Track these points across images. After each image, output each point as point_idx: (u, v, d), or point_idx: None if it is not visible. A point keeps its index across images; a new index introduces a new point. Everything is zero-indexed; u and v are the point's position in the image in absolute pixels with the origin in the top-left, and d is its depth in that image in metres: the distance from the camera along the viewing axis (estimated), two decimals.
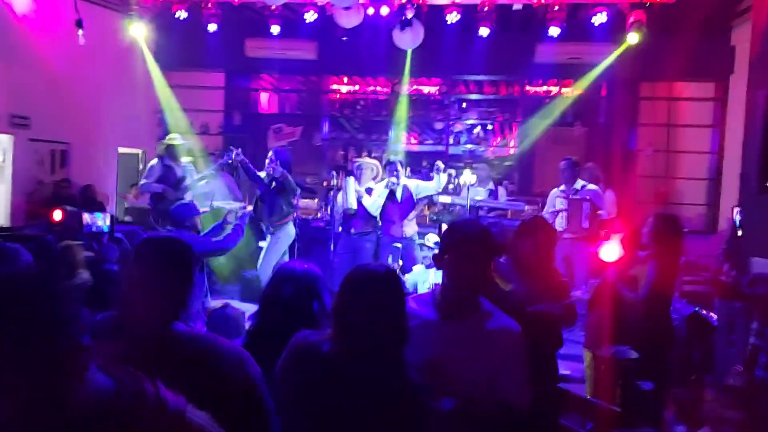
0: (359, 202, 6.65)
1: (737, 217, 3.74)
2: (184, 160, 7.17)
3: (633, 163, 9.29)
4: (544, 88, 11.05)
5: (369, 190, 6.77)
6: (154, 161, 7.11)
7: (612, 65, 8.50)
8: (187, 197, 6.92)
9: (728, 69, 8.63)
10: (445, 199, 7.22)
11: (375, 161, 7.33)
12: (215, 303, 4.13)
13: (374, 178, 6.94)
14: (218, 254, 5.57)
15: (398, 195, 6.62)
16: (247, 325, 2.51)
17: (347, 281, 2.10)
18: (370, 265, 2.17)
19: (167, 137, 7.30)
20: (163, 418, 0.88)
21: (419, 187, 6.76)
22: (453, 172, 9.66)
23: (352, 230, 6.76)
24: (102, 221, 3.67)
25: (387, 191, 6.59)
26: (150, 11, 8.21)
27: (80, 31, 6.51)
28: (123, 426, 0.85)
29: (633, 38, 7.33)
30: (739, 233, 3.63)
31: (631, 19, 7.18)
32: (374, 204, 6.64)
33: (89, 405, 0.86)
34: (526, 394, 2.14)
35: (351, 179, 6.81)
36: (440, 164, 6.63)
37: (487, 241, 2.19)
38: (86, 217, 3.70)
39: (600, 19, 7.23)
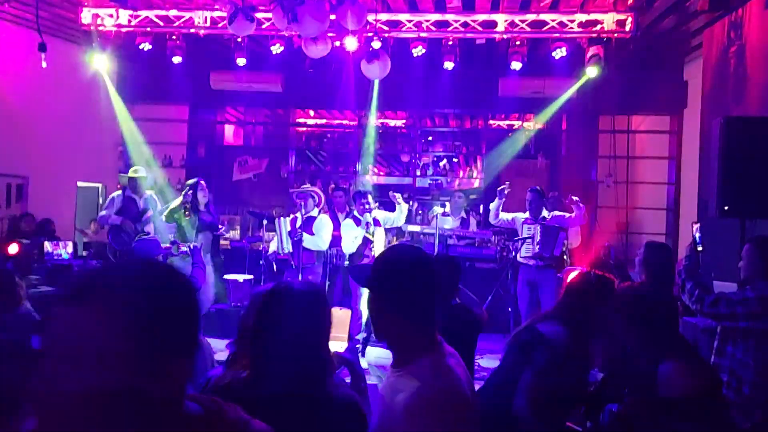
0: (297, 241, 6.47)
1: (697, 234, 3.83)
2: (147, 192, 7.04)
3: (594, 194, 9.50)
4: (507, 121, 11.31)
5: (311, 219, 6.66)
6: (117, 193, 6.97)
7: (572, 99, 8.74)
8: (149, 229, 6.80)
9: (682, 103, 8.96)
10: (414, 228, 7.24)
11: (316, 189, 7.23)
12: None
13: (317, 206, 6.83)
14: None
15: (371, 230, 6.59)
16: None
17: (262, 301, 1.87)
18: (292, 282, 1.92)
19: (131, 169, 7.18)
20: None
21: (387, 218, 6.76)
22: (415, 204, 9.74)
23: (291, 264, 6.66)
24: (63, 250, 3.56)
25: (362, 232, 6.52)
26: (113, 43, 8.14)
27: (43, 55, 6.36)
28: None
29: (592, 72, 7.56)
30: (700, 248, 3.71)
31: (590, 54, 7.42)
32: (350, 245, 6.61)
33: (181, 423, 0.95)
34: None
35: (284, 221, 6.72)
36: (397, 195, 6.71)
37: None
38: (47, 245, 3.59)
39: (560, 53, 7.45)
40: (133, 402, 0.86)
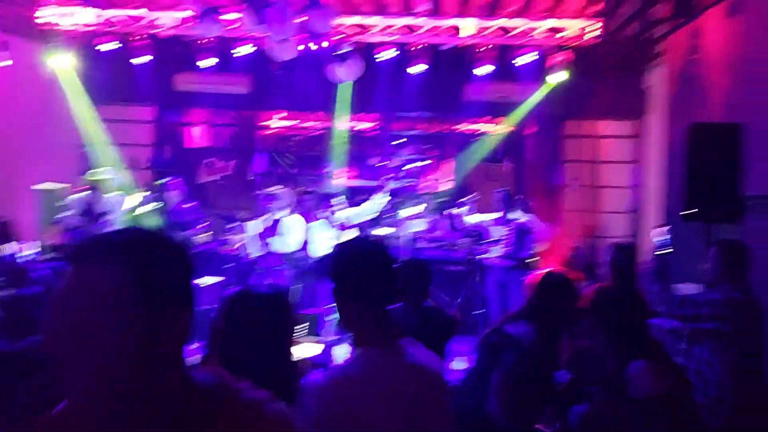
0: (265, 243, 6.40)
1: (664, 237, 3.90)
2: (114, 193, 6.89)
3: (559, 198, 9.63)
4: (475, 126, 11.38)
5: (278, 221, 6.59)
6: (80, 194, 6.80)
7: (538, 104, 8.86)
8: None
9: (644, 109, 9.15)
10: (383, 231, 7.23)
11: (284, 190, 7.08)
12: None
13: (284, 208, 6.70)
14: None
15: (344, 232, 6.54)
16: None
17: (228, 305, 1.86)
18: (255, 286, 1.95)
19: (95, 171, 7.02)
20: (243, 405, 1.08)
21: (357, 215, 6.72)
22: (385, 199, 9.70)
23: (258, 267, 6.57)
24: (29, 251, 3.46)
25: (334, 233, 6.44)
26: (77, 42, 7.94)
27: (6, 54, 6.17)
28: (215, 410, 1.03)
29: (558, 77, 7.68)
30: (670, 250, 3.79)
31: (556, 59, 7.53)
32: (322, 248, 6.47)
33: (191, 393, 1.03)
34: None
35: (251, 224, 6.63)
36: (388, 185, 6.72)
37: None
38: (10, 246, 3.48)
39: (527, 59, 7.55)
40: (139, 351, 0.94)
